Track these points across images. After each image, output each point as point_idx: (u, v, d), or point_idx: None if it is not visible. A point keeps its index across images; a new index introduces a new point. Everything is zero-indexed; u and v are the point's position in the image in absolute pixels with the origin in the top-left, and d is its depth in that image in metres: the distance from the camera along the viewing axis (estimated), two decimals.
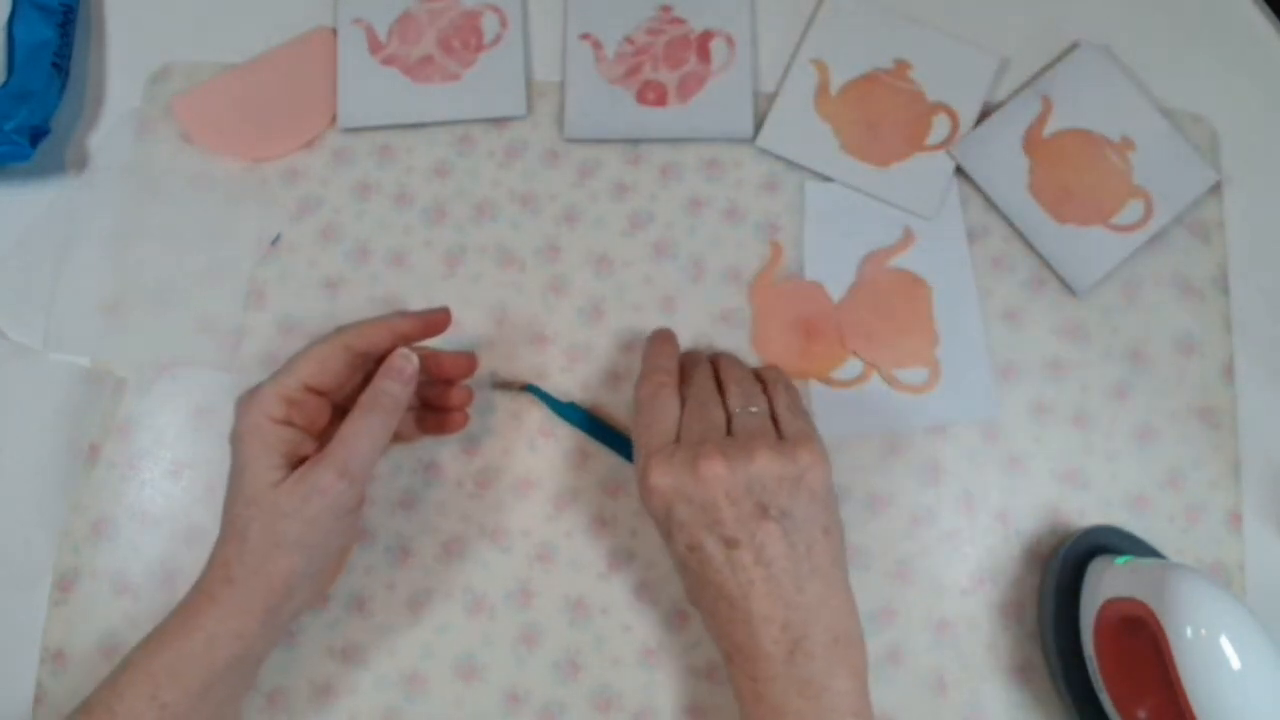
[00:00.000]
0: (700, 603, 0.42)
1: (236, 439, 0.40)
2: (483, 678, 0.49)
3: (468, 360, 0.47)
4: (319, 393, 0.41)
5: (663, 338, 0.48)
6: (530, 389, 0.51)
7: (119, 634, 0.49)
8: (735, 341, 0.52)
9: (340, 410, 0.42)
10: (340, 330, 0.42)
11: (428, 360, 0.45)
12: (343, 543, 0.41)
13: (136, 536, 0.50)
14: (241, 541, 0.39)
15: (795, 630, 0.38)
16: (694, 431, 0.42)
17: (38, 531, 0.50)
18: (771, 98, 0.55)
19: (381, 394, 0.41)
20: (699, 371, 0.46)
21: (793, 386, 0.46)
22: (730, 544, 0.39)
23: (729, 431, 0.42)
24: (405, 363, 0.42)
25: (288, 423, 0.40)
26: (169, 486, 0.51)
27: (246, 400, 0.40)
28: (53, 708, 0.48)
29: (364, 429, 0.40)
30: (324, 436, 0.41)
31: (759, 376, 0.46)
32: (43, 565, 0.49)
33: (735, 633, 0.40)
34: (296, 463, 0.40)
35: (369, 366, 0.43)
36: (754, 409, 0.43)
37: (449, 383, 0.47)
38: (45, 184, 0.54)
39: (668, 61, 0.55)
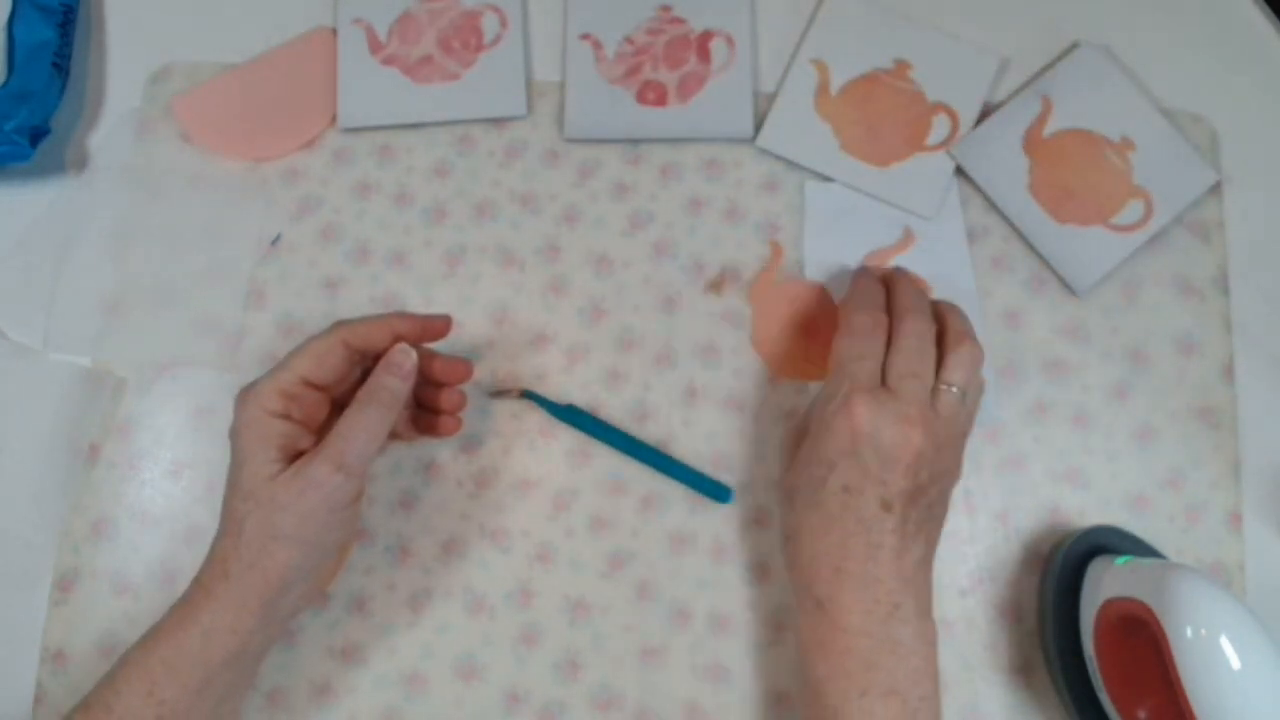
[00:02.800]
0: (810, 542, 0.42)
1: (235, 434, 0.40)
2: (483, 678, 0.49)
3: (461, 366, 0.47)
4: (317, 387, 0.41)
5: (874, 273, 0.49)
6: (527, 394, 0.51)
7: (119, 634, 0.49)
8: (735, 341, 0.52)
9: (338, 406, 0.42)
10: (339, 325, 0.42)
11: (422, 360, 0.45)
12: (340, 538, 0.41)
13: (136, 536, 0.50)
14: (238, 536, 0.39)
15: (896, 596, 0.40)
16: (905, 388, 0.42)
17: (38, 531, 0.50)
18: (771, 98, 0.55)
19: (380, 389, 0.41)
20: (919, 312, 0.44)
21: (983, 387, 0.46)
22: (885, 505, 0.40)
23: (933, 397, 0.42)
24: (404, 358, 0.42)
25: (285, 417, 0.40)
26: (169, 486, 0.51)
27: (244, 395, 0.40)
28: (53, 707, 0.48)
29: (361, 423, 0.40)
30: (322, 432, 0.41)
31: (959, 352, 0.44)
32: (43, 565, 0.49)
33: (840, 583, 0.41)
34: (294, 457, 0.40)
35: (367, 363, 0.43)
36: (955, 388, 0.43)
37: (441, 386, 0.47)
38: (45, 184, 0.54)
39: (668, 61, 0.55)
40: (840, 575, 0.41)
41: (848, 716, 0.40)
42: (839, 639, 0.40)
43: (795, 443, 0.45)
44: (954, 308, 0.46)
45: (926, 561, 0.42)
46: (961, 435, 0.43)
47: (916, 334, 0.43)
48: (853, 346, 0.43)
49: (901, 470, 0.40)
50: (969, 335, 0.44)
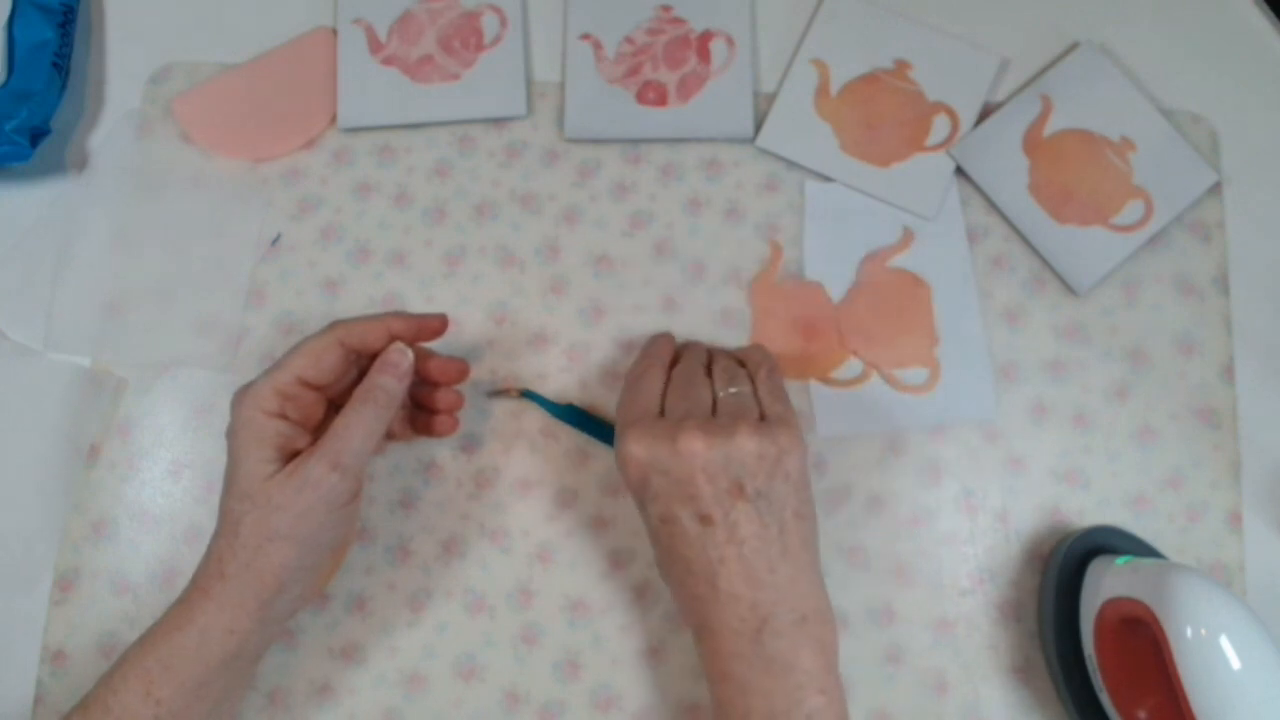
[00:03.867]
0: (670, 575, 0.42)
1: (231, 434, 0.40)
2: (483, 678, 0.49)
3: (457, 366, 0.47)
4: (313, 387, 0.41)
5: (661, 335, 0.49)
6: (527, 394, 0.51)
7: (119, 634, 0.49)
8: (735, 341, 0.52)
9: (335, 406, 0.42)
10: (335, 325, 0.42)
11: (419, 359, 0.44)
12: (337, 537, 0.41)
13: (136, 536, 0.50)
14: (234, 536, 0.39)
15: (763, 609, 0.38)
16: (677, 408, 0.42)
17: (38, 531, 0.50)
18: (771, 98, 0.55)
19: (376, 388, 0.41)
20: (690, 353, 0.47)
21: (776, 367, 0.45)
22: (705, 520, 0.39)
23: (714, 412, 0.42)
24: (400, 357, 0.42)
25: (281, 416, 0.40)
26: (169, 486, 0.51)
27: (241, 395, 0.40)
28: (52, 707, 0.48)
29: (357, 422, 0.40)
30: (319, 431, 0.41)
31: (742, 357, 0.47)
32: (43, 565, 0.49)
33: (703, 609, 0.40)
34: (290, 457, 0.40)
35: (363, 363, 0.43)
36: (735, 389, 0.43)
37: (438, 385, 0.47)
38: (45, 184, 0.54)
39: (668, 61, 0.55)
40: (699, 602, 0.40)
41: None
42: (716, 664, 0.39)
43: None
44: (717, 346, 0.49)
45: (791, 557, 0.39)
46: (758, 420, 0.41)
47: (684, 369, 0.44)
48: (624, 397, 0.44)
49: (701, 479, 0.39)
50: (725, 353, 0.47)
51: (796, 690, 0.38)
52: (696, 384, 0.43)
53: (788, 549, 0.39)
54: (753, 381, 0.44)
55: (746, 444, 0.39)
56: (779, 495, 0.40)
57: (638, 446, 0.40)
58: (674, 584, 0.42)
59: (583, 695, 0.49)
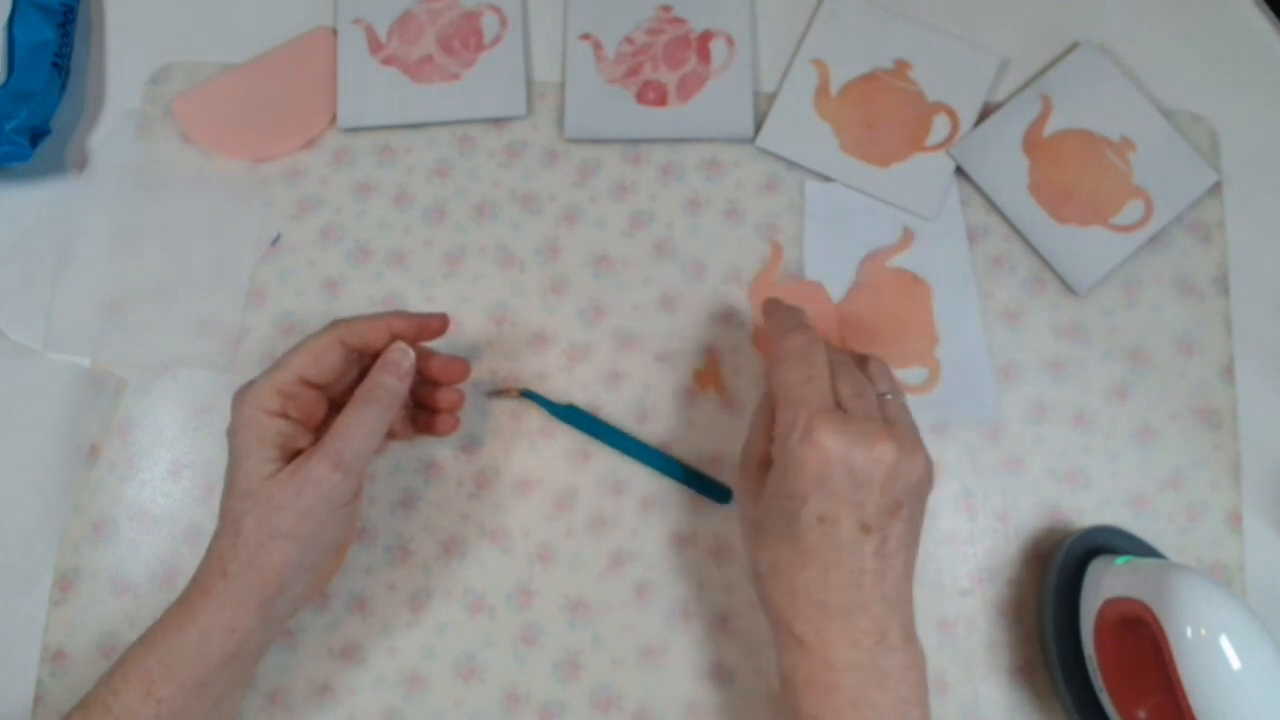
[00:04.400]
0: (787, 578, 0.39)
1: (232, 433, 0.40)
2: (483, 678, 0.49)
3: (458, 365, 0.47)
4: (314, 386, 0.41)
5: (785, 304, 0.45)
6: (527, 394, 0.51)
7: (119, 634, 0.49)
8: (735, 341, 0.52)
9: (336, 405, 0.42)
10: (336, 324, 0.42)
11: (420, 359, 0.44)
12: (338, 536, 0.41)
13: (136, 536, 0.50)
14: (236, 535, 0.39)
15: (882, 624, 0.38)
16: (857, 403, 0.40)
17: (38, 531, 0.50)
18: (771, 98, 0.55)
19: (377, 387, 0.41)
20: (830, 345, 0.44)
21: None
22: (864, 529, 0.38)
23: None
24: (402, 357, 0.42)
25: (283, 415, 0.40)
26: (169, 486, 0.51)
27: (242, 394, 0.40)
28: (52, 707, 0.48)
29: (358, 421, 0.40)
30: (320, 431, 0.41)
31: (867, 356, 0.45)
32: (43, 565, 0.49)
33: (824, 618, 0.38)
34: (292, 456, 0.40)
35: (364, 362, 0.43)
36: (892, 396, 0.42)
37: (439, 384, 0.47)
38: (45, 184, 0.54)
39: (668, 61, 0.55)
40: (824, 609, 0.38)
41: None
42: (824, 675, 0.38)
43: (751, 474, 0.42)
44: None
45: (907, 579, 0.40)
46: (918, 439, 0.40)
47: (839, 357, 0.42)
48: (794, 370, 0.40)
49: (878, 488, 0.38)
50: (868, 353, 0.45)
51: (903, 704, 0.38)
52: (862, 382, 0.42)
53: (907, 572, 0.40)
54: (895, 394, 0.43)
55: (920, 465, 0.39)
56: (915, 520, 0.40)
57: (835, 441, 0.38)
58: (789, 588, 0.39)
59: (583, 695, 0.49)
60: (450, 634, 0.49)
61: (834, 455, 0.38)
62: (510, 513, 0.50)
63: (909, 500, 0.39)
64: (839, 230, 0.54)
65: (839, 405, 0.40)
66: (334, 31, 0.56)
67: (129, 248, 0.53)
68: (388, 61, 0.55)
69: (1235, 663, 0.37)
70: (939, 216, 0.54)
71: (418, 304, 0.53)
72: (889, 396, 0.42)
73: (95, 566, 0.50)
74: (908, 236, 0.54)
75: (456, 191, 0.54)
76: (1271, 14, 0.57)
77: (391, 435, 0.47)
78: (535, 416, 0.51)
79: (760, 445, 0.42)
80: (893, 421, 0.40)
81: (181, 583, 0.40)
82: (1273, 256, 0.54)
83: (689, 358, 0.52)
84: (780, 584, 0.40)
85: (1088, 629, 0.45)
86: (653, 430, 0.51)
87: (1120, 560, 0.45)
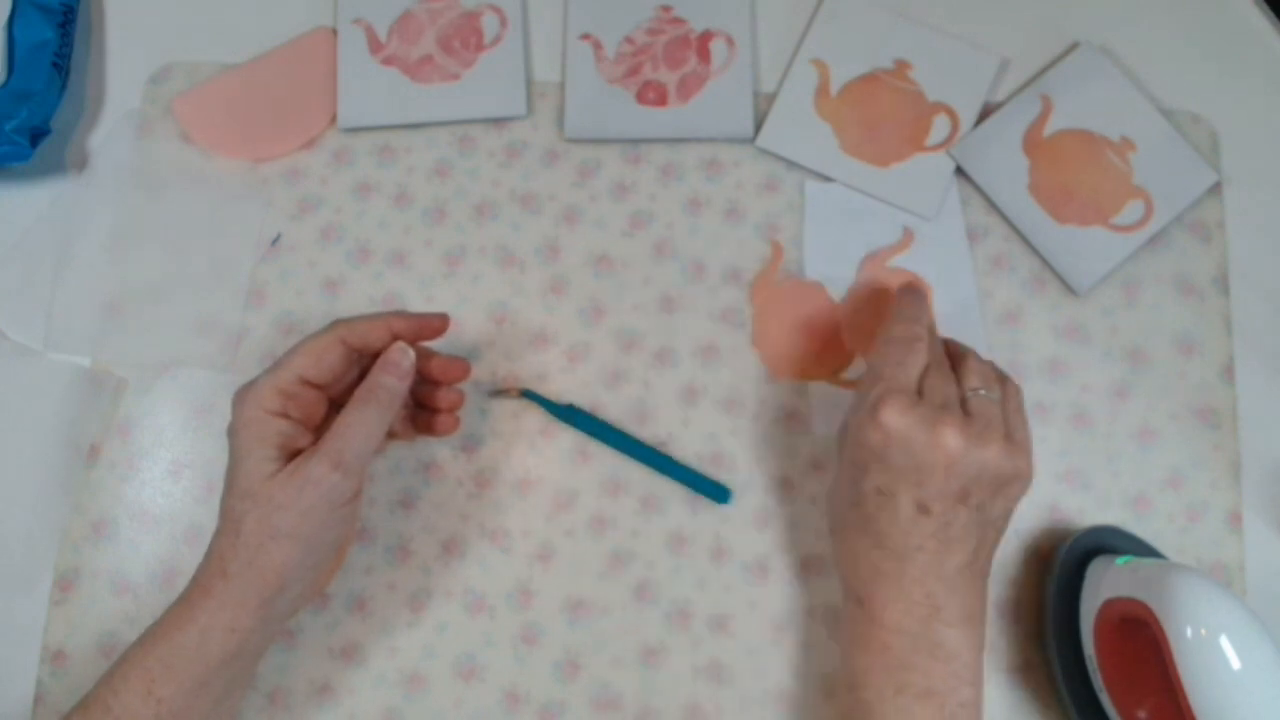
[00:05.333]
0: (852, 540, 0.42)
1: (232, 433, 0.40)
2: (483, 678, 0.49)
3: (458, 366, 0.47)
4: (315, 386, 0.41)
5: (920, 290, 0.47)
6: (527, 394, 0.51)
7: (119, 634, 0.49)
8: (735, 341, 0.52)
9: (336, 405, 0.42)
10: (336, 324, 0.42)
11: (420, 358, 0.44)
12: (338, 536, 0.41)
13: (136, 536, 0.50)
14: (236, 534, 0.39)
15: (937, 599, 0.40)
16: (937, 393, 0.41)
17: (38, 531, 0.50)
18: (771, 98, 0.55)
19: (377, 387, 0.41)
20: (934, 337, 0.45)
21: (1020, 391, 0.45)
22: (922, 509, 0.40)
23: (964, 408, 0.42)
24: (402, 357, 0.42)
25: (283, 415, 0.40)
26: (169, 486, 0.51)
27: (242, 394, 0.40)
28: (52, 707, 0.48)
29: (359, 421, 0.40)
30: (320, 430, 0.41)
31: (967, 353, 0.46)
32: (43, 565, 0.49)
33: (881, 582, 0.41)
34: (292, 455, 0.40)
35: (365, 362, 0.43)
36: (986, 393, 0.42)
37: (439, 384, 0.47)
38: (45, 184, 0.54)
39: (668, 61, 0.55)
40: (878, 574, 0.41)
41: (882, 713, 0.40)
42: (877, 635, 0.41)
43: (840, 442, 0.45)
44: (952, 340, 0.47)
45: (973, 568, 0.41)
46: (1007, 438, 0.41)
47: (938, 355, 0.44)
48: (890, 354, 0.43)
49: (941, 473, 0.39)
50: (965, 346, 0.45)
51: (953, 678, 0.40)
52: (947, 371, 0.43)
53: (976, 561, 0.41)
54: (1004, 394, 0.43)
55: (993, 458, 0.40)
56: (993, 512, 0.41)
57: (899, 418, 0.40)
58: (851, 550, 0.42)
59: (583, 695, 0.49)
60: (450, 634, 0.49)
61: (895, 432, 0.40)
62: (510, 513, 0.50)
63: (980, 491, 0.40)
64: (839, 230, 0.54)
65: (919, 392, 0.41)
66: (334, 31, 0.56)
67: (129, 248, 0.53)
68: (388, 61, 0.55)
69: (1235, 663, 0.37)
70: (939, 216, 0.54)
71: (418, 304, 0.53)
72: (981, 392, 0.42)
73: (95, 566, 0.50)
74: (908, 236, 0.54)
75: (456, 191, 0.54)
76: (1271, 14, 0.57)
77: (391, 435, 0.47)
78: (535, 416, 0.51)
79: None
80: (973, 414, 0.41)
81: (181, 583, 0.40)
82: (1273, 256, 0.54)
83: (689, 357, 0.52)
84: (844, 545, 0.43)
85: (1088, 629, 0.45)
86: (652, 430, 0.51)
87: (1120, 560, 0.45)
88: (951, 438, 0.39)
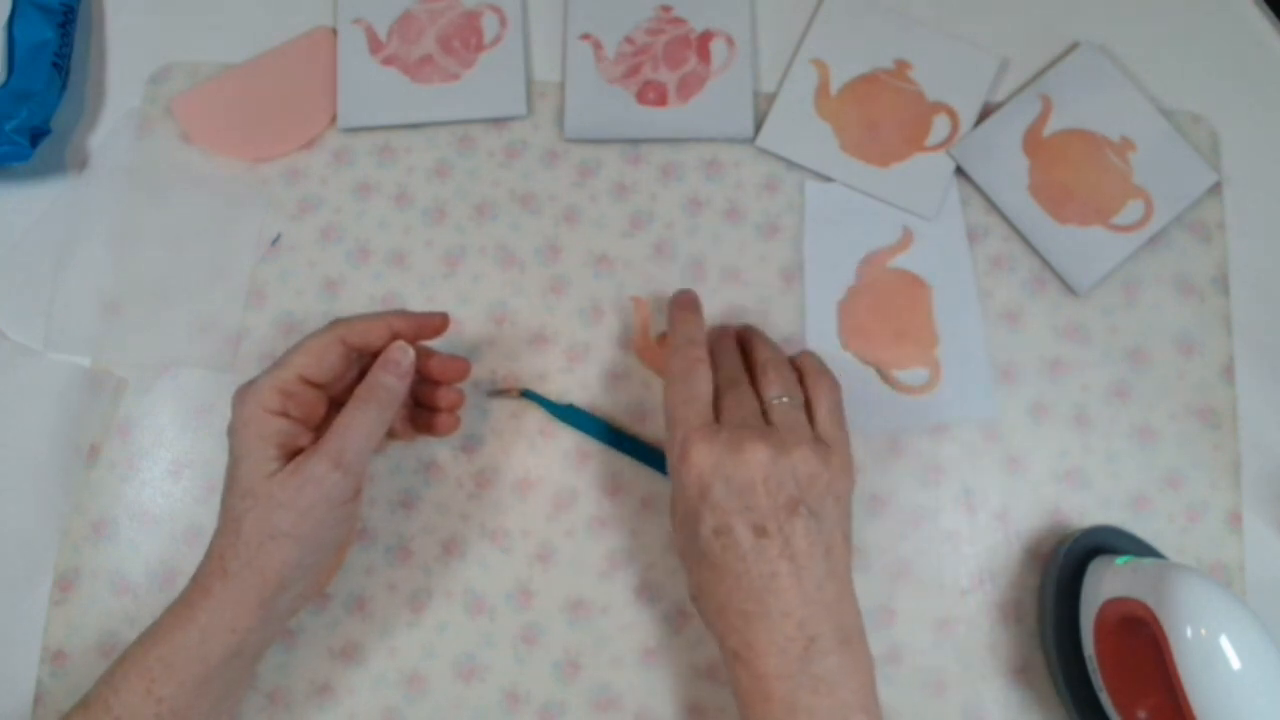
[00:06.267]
0: (713, 596, 0.40)
1: (233, 432, 0.40)
2: (483, 678, 0.49)
3: (458, 365, 0.47)
4: (315, 385, 0.41)
5: (688, 305, 0.47)
6: (527, 394, 0.51)
7: (119, 634, 0.49)
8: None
9: (336, 404, 0.42)
10: (336, 323, 0.42)
11: (420, 358, 0.44)
12: (339, 535, 0.41)
13: (136, 536, 0.50)
14: (236, 534, 0.39)
15: (810, 628, 0.38)
16: (734, 414, 0.41)
17: (38, 531, 0.50)
18: (771, 98, 0.55)
19: (377, 386, 0.41)
20: (727, 351, 0.46)
21: (838, 385, 0.44)
22: (759, 532, 0.39)
23: (766, 419, 0.42)
24: (401, 356, 0.42)
25: (283, 414, 0.40)
26: (169, 486, 0.51)
27: (242, 393, 0.40)
28: (52, 707, 0.48)
29: (359, 420, 0.40)
30: (320, 430, 0.41)
31: (797, 364, 0.45)
32: (43, 565, 0.49)
33: (749, 627, 0.39)
34: (292, 455, 0.40)
35: (365, 361, 0.43)
36: (787, 399, 0.42)
37: (439, 384, 0.47)
38: (45, 184, 0.54)
39: (668, 61, 0.55)
40: (747, 619, 0.39)
41: None
42: (758, 687, 0.39)
43: (672, 507, 0.43)
44: (754, 330, 0.47)
45: (834, 579, 0.39)
46: (815, 439, 0.41)
47: (728, 372, 0.43)
48: (675, 392, 0.42)
49: (761, 489, 0.39)
50: (770, 348, 0.45)
51: (842, 708, 0.38)
52: (745, 387, 0.43)
53: (834, 569, 0.40)
54: (807, 395, 0.43)
55: (805, 460, 0.40)
56: (830, 516, 0.40)
57: (705, 454, 0.40)
58: (717, 605, 0.40)
59: (583, 695, 0.49)
60: (450, 634, 0.49)
61: (707, 468, 0.39)
62: (510, 513, 0.50)
63: (807, 497, 0.39)
64: (839, 230, 0.54)
65: (718, 420, 0.41)
66: (334, 31, 0.56)
67: (129, 248, 0.53)
68: (388, 61, 0.55)
69: (1235, 663, 0.37)
70: (939, 216, 0.54)
71: (418, 304, 0.53)
72: (784, 400, 0.42)
73: (95, 566, 0.50)
74: (908, 236, 0.54)
75: (456, 191, 0.54)
76: (1271, 14, 0.57)
77: (391, 435, 0.47)
78: (535, 416, 0.51)
79: None
80: (775, 425, 0.41)
81: (181, 583, 0.40)
82: (1273, 256, 0.54)
83: None
84: (709, 602, 0.41)
85: (1088, 629, 0.45)
86: (653, 430, 0.51)
87: (1120, 560, 0.45)
88: (758, 452, 0.39)
